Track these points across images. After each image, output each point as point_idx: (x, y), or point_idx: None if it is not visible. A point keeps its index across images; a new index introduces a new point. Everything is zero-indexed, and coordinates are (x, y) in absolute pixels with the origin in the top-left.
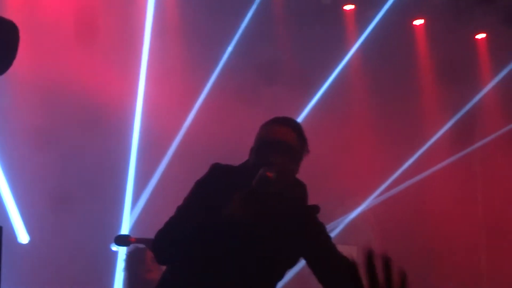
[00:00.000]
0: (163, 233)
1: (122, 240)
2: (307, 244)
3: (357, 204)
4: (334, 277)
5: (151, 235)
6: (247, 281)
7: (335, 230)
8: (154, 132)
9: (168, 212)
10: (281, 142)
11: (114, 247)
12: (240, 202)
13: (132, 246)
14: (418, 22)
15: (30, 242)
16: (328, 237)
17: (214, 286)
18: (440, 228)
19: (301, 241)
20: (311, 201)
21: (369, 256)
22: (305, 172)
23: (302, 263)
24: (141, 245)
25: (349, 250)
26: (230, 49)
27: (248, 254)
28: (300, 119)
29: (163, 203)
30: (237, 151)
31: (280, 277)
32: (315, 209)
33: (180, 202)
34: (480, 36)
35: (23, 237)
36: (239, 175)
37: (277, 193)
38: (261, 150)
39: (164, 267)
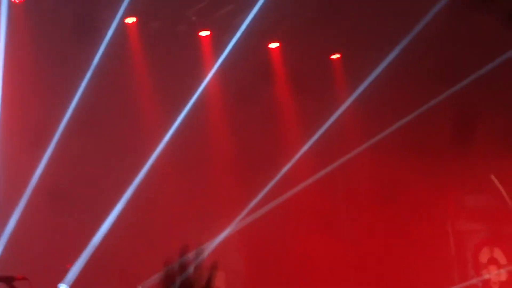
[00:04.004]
0: None
1: None
2: None
3: (224, 227)
4: None
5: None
6: None
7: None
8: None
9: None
10: None
11: None
12: None
13: None
14: (274, 45)
15: None
16: None
17: None
18: (307, 246)
19: None
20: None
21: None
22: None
23: None
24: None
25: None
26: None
27: None
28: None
29: (26, 238)
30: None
31: None
32: None
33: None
34: (335, 56)
35: None
36: None
37: None
38: None
39: None
